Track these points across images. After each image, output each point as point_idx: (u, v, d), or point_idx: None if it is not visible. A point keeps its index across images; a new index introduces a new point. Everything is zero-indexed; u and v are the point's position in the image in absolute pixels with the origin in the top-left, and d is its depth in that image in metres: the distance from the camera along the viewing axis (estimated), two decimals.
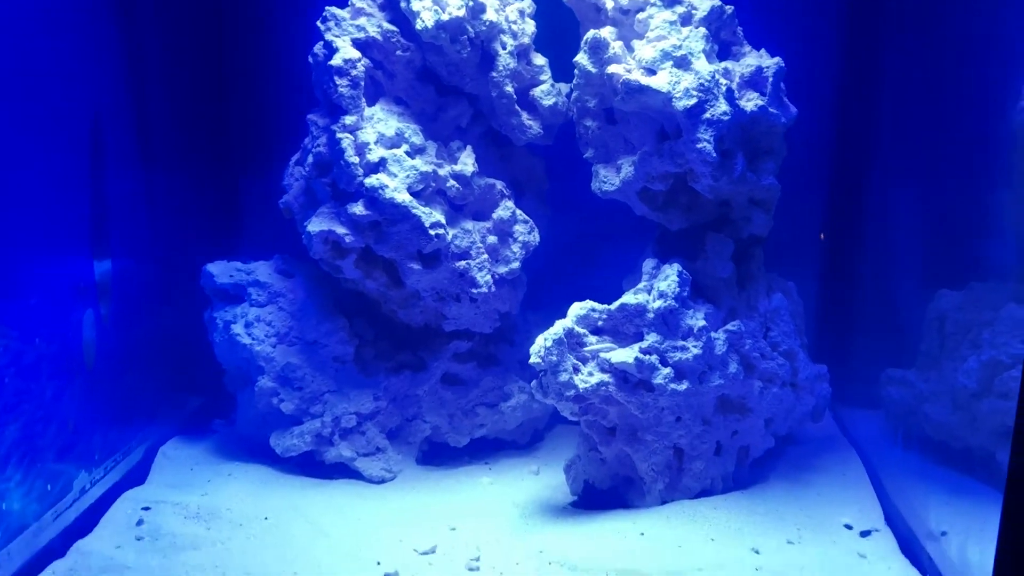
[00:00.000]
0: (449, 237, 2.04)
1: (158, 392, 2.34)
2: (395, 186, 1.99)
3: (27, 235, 1.73)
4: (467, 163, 2.10)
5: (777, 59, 2.02)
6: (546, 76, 2.18)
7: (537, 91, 2.17)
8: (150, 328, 2.27)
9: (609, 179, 2.06)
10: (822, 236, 2.60)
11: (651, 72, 1.91)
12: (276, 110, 2.43)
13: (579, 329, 1.92)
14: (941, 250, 2.11)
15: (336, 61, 2.01)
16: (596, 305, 1.95)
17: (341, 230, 2.03)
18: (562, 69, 2.16)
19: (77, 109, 1.92)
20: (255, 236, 2.50)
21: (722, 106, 1.88)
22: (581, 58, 2.02)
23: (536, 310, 2.39)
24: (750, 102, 1.97)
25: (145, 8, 2.18)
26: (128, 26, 2.09)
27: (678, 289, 1.92)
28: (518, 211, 2.18)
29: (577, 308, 1.95)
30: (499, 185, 2.17)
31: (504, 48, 2.10)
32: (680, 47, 1.91)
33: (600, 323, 1.95)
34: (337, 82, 2.02)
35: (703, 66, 1.90)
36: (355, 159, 1.99)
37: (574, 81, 2.07)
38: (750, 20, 2.12)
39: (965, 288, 2.10)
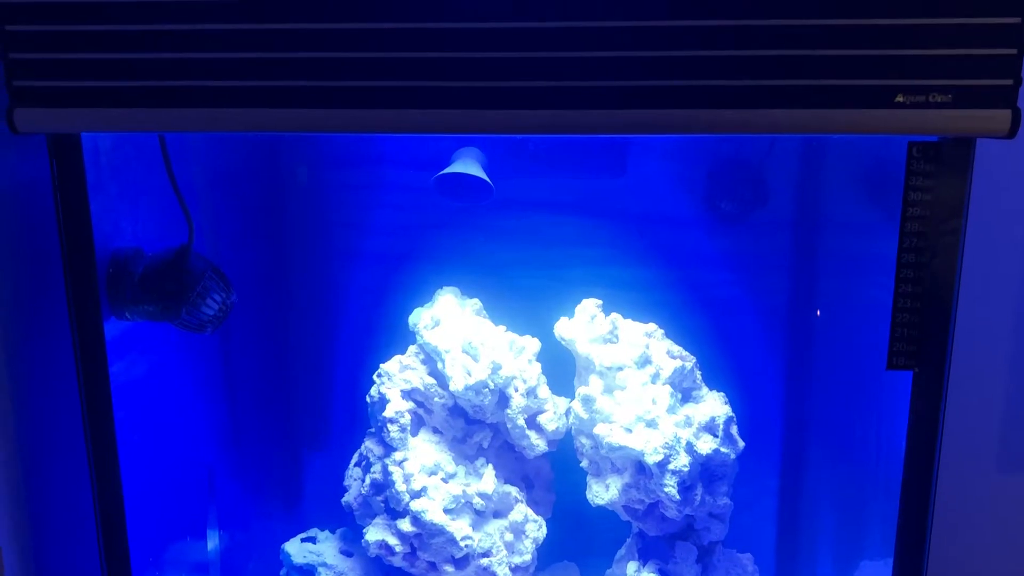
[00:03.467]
0: (475, 543, 2.63)
1: None
2: (434, 508, 2.58)
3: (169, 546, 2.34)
4: (489, 481, 2.70)
5: (727, 408, 2.60)
6: (549, 405, 2.78)
7: (542, 418, 2.77)
8: None
9: (600, 494, 2.64)
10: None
11: (628, 431, 2.51)
12: (337, 421, 3.07)
13: None
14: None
15: (389, 412, 2.63)
16: None
17: (392, 540, 2.62)
18: (564, 380, 2.76)
19: (197, 457, 2.55)
20: (320, 504, 3.11)
21: (683, 459, 2.47)
22: (575, 404, 2.62)
23: None
24: (706, 444, 2.54)
25: (239, 361, 2.84)
26: (230, 390, 2.74)
27: None
28: (529, 512, 2.77)
29: None
30: (514, 492, 2.76)
31: (517, 391, 2.71)
32: (649, 411, 2.51)
33: None
34: (389, 428, 2.63)
35: (668, 427, 2.49)
36: (403, 487, 2.60)
37: (571, 416, 2.66)
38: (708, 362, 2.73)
39: None
